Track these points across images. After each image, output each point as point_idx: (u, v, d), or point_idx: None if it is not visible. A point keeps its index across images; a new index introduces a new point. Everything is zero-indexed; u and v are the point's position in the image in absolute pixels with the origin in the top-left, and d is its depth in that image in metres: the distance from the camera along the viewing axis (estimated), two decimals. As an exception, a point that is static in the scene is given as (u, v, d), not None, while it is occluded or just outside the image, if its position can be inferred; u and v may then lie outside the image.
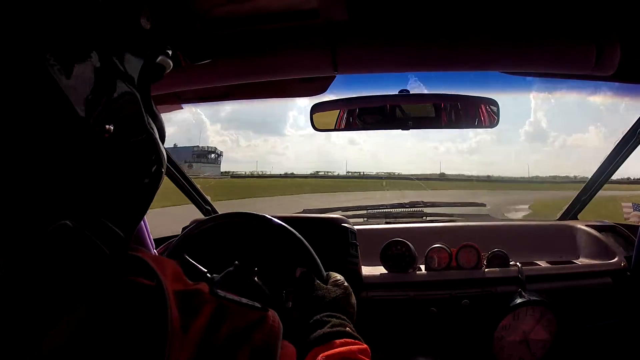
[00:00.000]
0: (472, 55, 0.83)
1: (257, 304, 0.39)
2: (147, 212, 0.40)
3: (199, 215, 1.55)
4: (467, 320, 1.15)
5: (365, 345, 0.55)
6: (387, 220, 1.60)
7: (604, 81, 0.95)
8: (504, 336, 1.12)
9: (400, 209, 1.70)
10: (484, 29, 0.81)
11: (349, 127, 1.12)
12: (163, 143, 0.40)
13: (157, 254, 1.19)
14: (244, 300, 0.39)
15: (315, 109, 1.09)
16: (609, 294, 1.20)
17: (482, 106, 1.07)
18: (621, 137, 1.34)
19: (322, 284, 0.73)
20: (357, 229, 1.26)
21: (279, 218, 0.91)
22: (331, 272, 0.80)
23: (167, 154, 0.42)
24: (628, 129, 1.32)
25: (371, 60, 0.85)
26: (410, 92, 1.04)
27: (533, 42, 0.81)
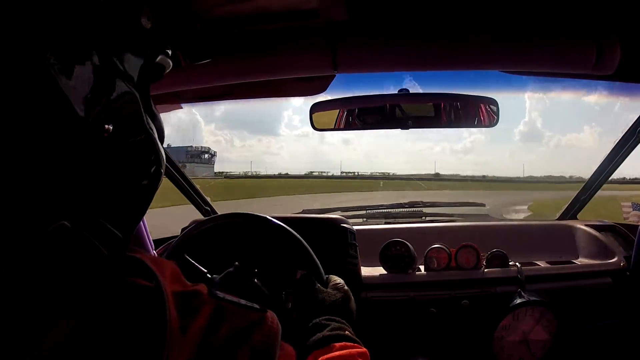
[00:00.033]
0: (472, 54, 0.83)
1: (255, 305, 0.39)
2: (147, 212, 0.40)
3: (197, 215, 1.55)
4: (466, 321, 1.15)
5: (364, 349, 0.55)
6: (387, 220, 1.60)
7: (604, 81, 0.95)
8: (503, 336, 1.12)
9: (400, 209, 1.70)
10: (484, 29, 0.81)
11: (349, 126, 1.12)
12: (162, 143, 0.40)
13: (156, 254, 1.18)
14: (243, 301, 0.39)
15: (314, 108, 1.09)
16: (609, 294, 1.20)
17: (482, 105, 1.07)
18: (621, 136, 1.34)
19: (322, 288, 0.73)
20: (357, 229, 1.26)
21: (277, 218, 0.91)
22: (331, 276, 0.80)
23: (166, 154, 0.42)
24: (627, 128, 1.32)
25: (371, 60, 0.84)
26: (410, 92, 1.04)
27: (533, 41, 0.81)
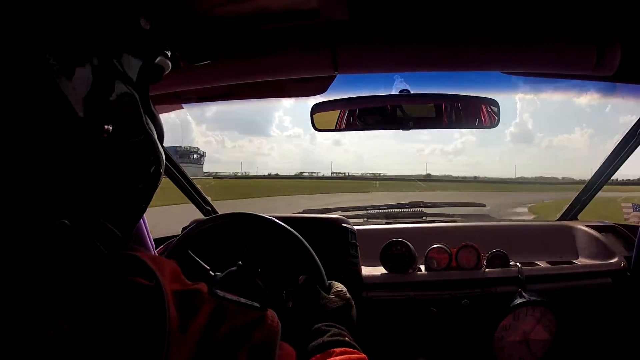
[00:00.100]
0: (473, 55, 0.83)
1: (255, 304, 0.39)
2: (147, 210, 0.40)
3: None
4: (467, 321, 1.15)
5: (364, 355, 0.55)
6: (387, 220, 1.60)
7: (604, 81, 0.95)
8: (504, 336, 1.12)
9: (400, 209, 1.70)
10: (485, 29, 0.81)
11: (350, 127, 1.12)
12: (162, 144, 0.40)
13: (157, 254, 1.18)
14: (243, 300, 0.39)
15: (315, 109, 1.09)
16: (609, 294, 1.20)
17: (483, 106, 1.06)
18: (622, 137, 1.34)
19: (324, 293, 0.73)
20: (357, 229, 1.26)
21: (278, 218, 0.91)
22: (334, 282, 0.80)
23: (166, 154, 0.42)
24: (628, 129, 1.32)
25: (371, 60, 0.84)
26: (411, 92, 1.04)
27: (533, 42, 0.81)
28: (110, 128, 0.31)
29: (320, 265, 0.83)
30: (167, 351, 0.29)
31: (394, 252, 1.19)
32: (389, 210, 1.69)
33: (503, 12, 0.79)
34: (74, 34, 0.29)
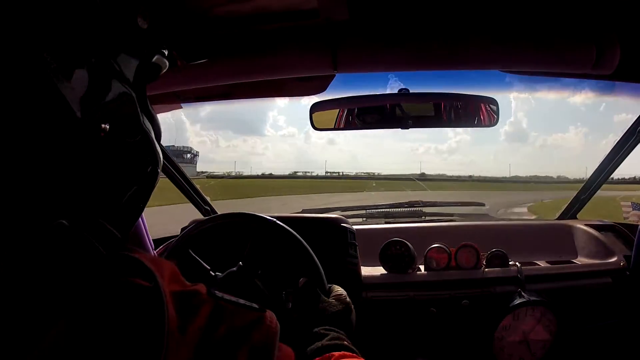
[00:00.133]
0: (472, 54, 0.83)
1: (254, 305, 0.39)
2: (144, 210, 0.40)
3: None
4: (467, 321, 1.15)
5: (362, 359, 0.55)
6: (386, 220, 1.60)
7: (603, 80, 0.95)
8: (504, 336, 1.13)
9: (399, 209, 1.70)
10: (484, 29, 0.81)
11: (349, 126, 1.12)
12: (159, 143, 0.39)
13: (156, 254, 1.18)
14: (242, 300, 0.39)
15: (314, 108, 1.09)
16: (609, 294, 1.20)
17: (482, 105, 1.06)
18: (621, 135, 1.35)
19: (324, 297, 0.73)
20: (356, 229, 1.26)
21: (277, 218, 0.91)
22: (334, 285, 0.80)
23: (163, 153, 0.42)
24: (625, 127, 1.32)
25: (371, 60, 0.85)
26: (410, 91, 1.04)
27: (533, 41, 0.82)
28: (108, 127, 0.31)
29: (321, 268, 0.83)
30: (166, 352, 0.29)
31: (393, 252, 1.19)
32: (388, 210, 1.69)
33: (502, 12, 0.79)
34: (71, 33, 0.29)
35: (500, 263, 1.19)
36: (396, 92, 1.04)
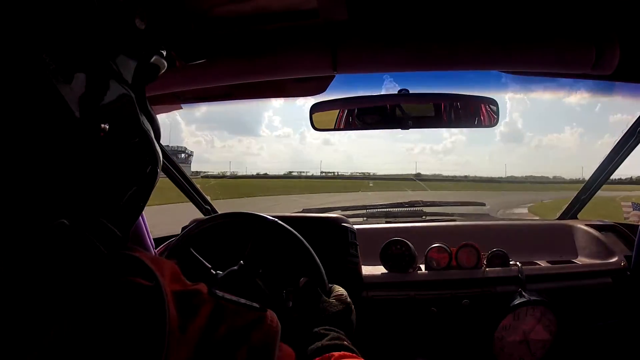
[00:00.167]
0: (472, 55, 0.83)
1: (255, 304, 0.39)
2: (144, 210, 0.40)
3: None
4: (467, 320, 1.15)
5: (362, 359, 0.55)
6: (387, 219, 1.60)
7: (603, 80, 0.95)
8: (504, 336, 1.12)
9: (400, 209, 1.70)
10: (484, 29, 0.81)
11: (349, 126, 1.12)
12: (158, 143, 0.40)
13: (157, 253, 1.19)
14: (242, 300, 0.39)
15: (314, 108, 1.09)
16: (609, 294, 1.19)
17: (482, 106, 1.06)
18: (621, 135, 1.34)
19: (324, 297, 0.74)
20: (357, 229, 1.26)
21: (278, 218, 0.91)
22: (335, 285, 0.80)
23: (164, 153, 0.42)
24: (624, 127, 1.32)
25: (371, 60, 0.85)
26: (410, 92, 1.04)
27: (533, 42, 0.82)
28: (107, 127, 0.31)
29: (322, 268, 0.83)
30: (166, 351, 0.29)
31: (393, 251, 1.19)
32: (389, 209, 1.69)
33: (502, 12, 0.79)
34: (70, 34, 0.29)
35: (500, 263, 1.19)
36: (396, 92, 1.04)
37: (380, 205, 1.73)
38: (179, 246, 0.94)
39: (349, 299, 0.75)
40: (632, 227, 1.36)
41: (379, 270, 1.21)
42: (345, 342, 0.60)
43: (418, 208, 1.70)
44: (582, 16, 0.79)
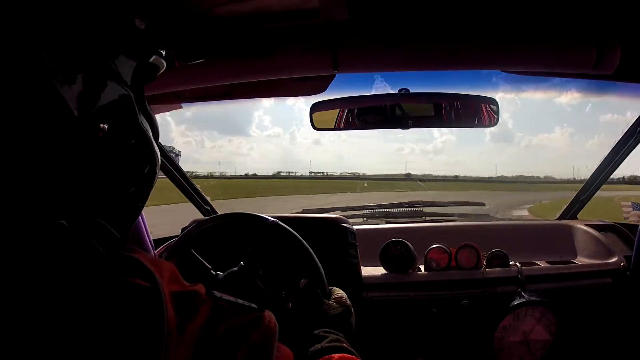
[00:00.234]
0: (472, 54, 0.83)
1: (253, 305, 0.39)
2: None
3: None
4: (467, 321, 1.15)
5: None
6: (387, 220, 1.60)
7: (603, 80, 0.95)
8: (504, 336, 1.13)
9: (400, 209, 1.70)
10: (485, 29, 0.81)
11: (349, 126, 1.12)
12: (157, 143, 0.40)
13: (156, 255, 1.18)
14: (241, 300, 0.39)
15: (314, 108, 1.09)
16: (609, 294, 1.20)
17: (482, 105, 1.07)
18: (621, 135, 1.34)
19: (325, 299, 0.74)
20: (357, 229, 1.26)
21: (276, 217, 0.91)
22: (334, 288, 0.80)
23: (163, 153, 0.42)
24: (627, 127, 1.32)
25: (371, 60, 0.84)
26: (410, 91, 1.04)
27: (533, 42, 0.82)
28: (106, 127, 0.31)
29: (322, 269, 0.83)
30: (165, 352, 0.29)
31: (393, 251, 1.19)
32: (389, 209, 1.69)
33: (503, 12, 0.79)
34: (70, 34, 0.29)
35: (500, 263, 1.19)
36: (396, 92, 1.04)
37: (380, 205, 1.73)
38: (179, 247, 0.94)
39: (348, 302, 0.75)
40: (631, 227, 1.36)
41: (379, 270, 1.21)
42: (344, 345, 0.60)
43: (418, 208, 1.70)
44: (582, 16, 0.79)
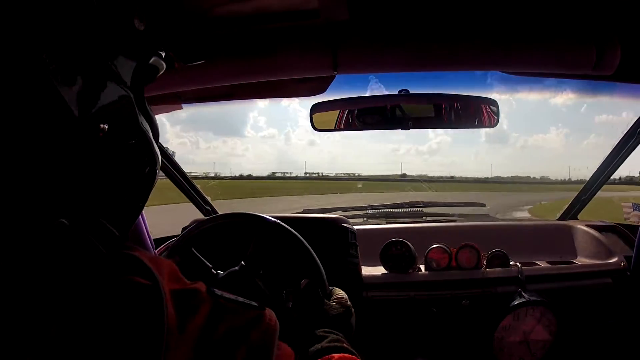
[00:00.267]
0: (473, 55, 0.83)
1: (253, 303, 0.39)
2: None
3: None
4: (467, 321, 1.15)
5: None
6: (387, 220, 1.60)
7: (603, 81, 0.95)
8: (504, 336, 1.12)
9: (400, 209, 1.70)
10: (485, 29, 0.81)
11: (349, 127, 1.12)
12: (157, 143, 0.40)
13: (157, 254, 1.19)
14: (241, 299, 0.39)
15: (315, 109, 1.09)
16: (609, 294, 1.19)
17: (482, 106, 1.07)
18: (621, 136, 1.34)
19: (325, 300, 0.74)
20: (357, 229, 1.26)
21: (277, 217, 0.91)
22: (335, 288, 0.80)
23: (164, 154, 0.42)
24: (628, 128, 1.32)
25: (371, 60, 0.85)
26: (410, 92, 1.04)
27: (533, 42, 0.82)
28: (106, 127, 0.32)
29: (323, 270, 0.83)
30: (165, 350, 0.29)
31: (394, 251, 1.19)
32: (389, 210, 1.69)
33: (503, 13, 0.79)
34: (70, 34, 0.29)
35: (500, 263, 1.19)
36: (396, 93, 1.04)
37: (381, 205, 1.73)
38: (180, 246, 0.94)
39: (349, 302, 0.75)
40: (632, 228, 1.36)
41: (379, 270, 1.21)
42: (344, 345, 0.60)
43: (418, 209, 1.70)
44: (582, 17, 0.79)
